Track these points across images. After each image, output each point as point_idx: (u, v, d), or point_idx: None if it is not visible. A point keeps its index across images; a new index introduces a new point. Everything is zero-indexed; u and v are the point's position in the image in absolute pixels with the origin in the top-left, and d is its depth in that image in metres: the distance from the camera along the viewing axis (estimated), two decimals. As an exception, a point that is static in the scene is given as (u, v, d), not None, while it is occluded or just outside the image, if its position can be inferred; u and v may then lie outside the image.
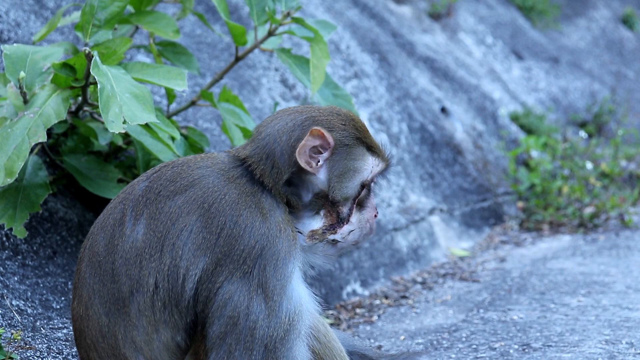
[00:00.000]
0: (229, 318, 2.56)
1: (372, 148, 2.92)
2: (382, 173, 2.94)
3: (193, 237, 2.64)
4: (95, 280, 2.71)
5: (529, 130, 8.60)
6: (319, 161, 2.82)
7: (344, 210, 2.87)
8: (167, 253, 2.64)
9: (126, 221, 2.72)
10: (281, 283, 2.62)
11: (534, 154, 7.72)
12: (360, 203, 2.91)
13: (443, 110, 7.88)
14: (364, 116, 6.68)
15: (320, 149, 2.82)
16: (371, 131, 6.69)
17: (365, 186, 2.89)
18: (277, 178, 2.80)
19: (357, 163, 2.87)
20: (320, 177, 2.83)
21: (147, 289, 2.65)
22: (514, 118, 8.72)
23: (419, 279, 5.62)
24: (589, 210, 7.08)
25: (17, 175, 3.27)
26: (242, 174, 2.78)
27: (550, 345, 3.88)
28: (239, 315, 2.56)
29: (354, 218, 2.89)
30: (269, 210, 2.71)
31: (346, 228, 2.88)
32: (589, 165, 7.44)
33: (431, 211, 6.52)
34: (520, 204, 7.32)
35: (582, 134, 8.59)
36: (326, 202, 2.85)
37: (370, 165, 2.89)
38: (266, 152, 2.83)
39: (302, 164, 2.79)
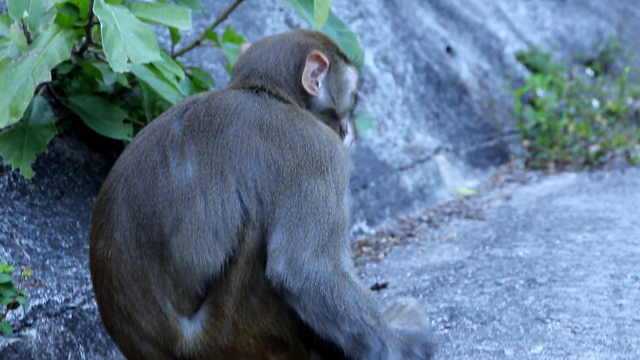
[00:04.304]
0: (312, 203, 2.76)
1: (347, 59, 3.17)
2: (360, 82, 3.22)
3: (262, 155, 2.78)
4: (134, 224, 2.73)
5: (534, 69, 8.55)
6: (317, 83, 3.04)
7: (344, 122, 3.13)
8: (231, 178, 2.74)
9: (169, 162, 2.75)
10: (344, 180, 2.89)
11: (540, 92, 7.69)
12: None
13: (448, 50, 7.84)
14: (369, 56, 6.65)
15: (317, 71, 3.03)
16: (376, 71, 6.68)
17: (355, 96, 3.16)
18: (293, 100, 3.00)
19: (345, 76, 3.12)
20: (321, 97, 3.05)
21: (193, 224, 2.70)
22: (520, 57, 8.67)
23: (425, 218, 5.65)
24: (594, 148, 7.07)
25: (22, 115, 3.27)
26: (270, 97, 2.94)
27: (556, 280, 3.91)
28: (319, 202, 2.77)
29: (350, 128, 3.16)
30: (315, 120, 2.92)
31: (347, 138, 3.15)
32: (595, 104, 7.41)
33: (437, 150, 6.53)
34: (526, 142, 7.32)
35: (589, 72, 8.55)
36: (330, 118, 3.08)
37: (352, 75, 3.15)
38: (272, 83, 2.99)
39: (307, 89, 3.01)
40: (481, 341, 3.23)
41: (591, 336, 3.21)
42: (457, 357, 3.08)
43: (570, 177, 6.66)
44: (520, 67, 8.52)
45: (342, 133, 3.13)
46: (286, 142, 2.80)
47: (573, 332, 3.26)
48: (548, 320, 3.40)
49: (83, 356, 3.23)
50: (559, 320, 3.39)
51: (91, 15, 3.49)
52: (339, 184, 2.85)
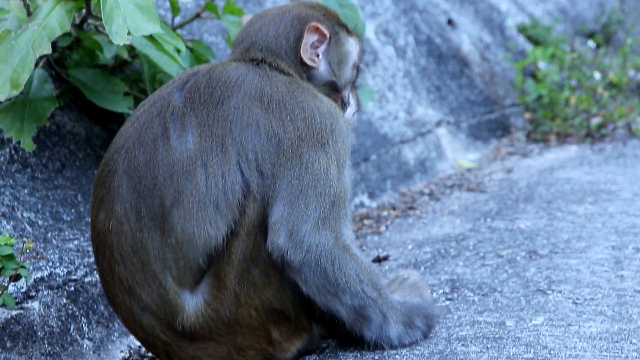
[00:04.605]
0: (313, 175, 2.76)
1: (348, 30, 3.14)
2: (361, 53, 3.19)
3: (263, 127, 2.77)
4: (134, 195, 2.73)
5: (536, 42, 8.52)
6: (318, 55, 3.02)
7: (346, 94, 3.12)
8: (231, 150, 2.73)
9: (170, 134, 2.74)
10: (346, 153, 2.89)
11: (542, 65, 7.67)
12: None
13: (450, 22, 7.81)
14: (370, 29, 6.63)
15: (317, 43, 3.01)
16: (377, 44, 6.66)
17: (356, 67, 3.14)
18: (294, 73, 2.98)
19: (346, 47, 3.10)
20: (322, 69, 3.04)
21: (194, 197, 2.69)
22: (522, 29, 8.64)
23: (426, 191, 5.65)
24: (596, 121, 7.06)
25: (22, 88, 3.26)
26: (270, 69, 2.92)
27: (557, 252, 3.91)
28: (320, 174, 2.77)
29: (352, 100, 3.15)
30: (316, 92, 2.91)
31: (349, 110, 3.14)
32: (597, 76, 7.39)
33: (438, 123, 6.52)
34: (528, 115, 7.30)
35: (590, 44, 8.52)
36: (331, 90, 3.06)
37: (353, 46, 3.12)
38: (273, 56, 2.97)
39: (307, 61, 3.00)
40: (482, 312, 3.23)
41: (592, 307, 3.21)
42: (459, 328, 3.09)
43: (571, 150, 6.65)
44: (521, 40, 8.49)
45: (343, 105, 3.12)
46: (287, 115, 2.79)
47: (574, 303, 3.27)
48: (549, 292, 3.41)
49: (85, 328, 3.24)
50: (560, 292, 3.40)
51: (91, -13, 3.48)
52: (340, 157, 2.85)
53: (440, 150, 6.31)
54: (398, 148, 5.88)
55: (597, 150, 6.51)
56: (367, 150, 5.58)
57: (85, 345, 3.20)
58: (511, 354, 2.81)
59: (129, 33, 3.20)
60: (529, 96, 7.22)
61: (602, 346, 2.84)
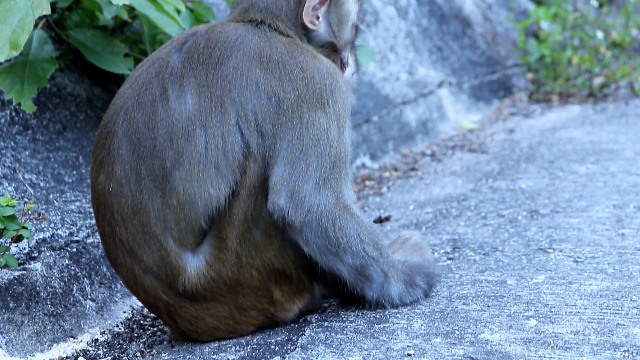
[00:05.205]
0: (313, 135, 2.77)
1: None
2: (361, 12, 3.18)
3: (262, 87, 2.77)
4: (134, 157, 2.73)
5: (538, 1, 8.47)
6: (318, 17, 3.01)
7: (346, 55, 3.10)
8: (231, 110, 2.74)
9: (169, 95, 2.73)
10: (346, 113, 2.88)
11: (544, 24, 7.63)
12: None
13: (451, -18, 7.77)
14: (371, -11, 6.59)
15: (318, 5, 3.00)
16: (379, 4, 6.62)
17: (356, 27, 3.12)
18: (294, 35, 2.97)
19: (345, 7, 3.08)
20: (321, 30, 3.02)
21: (194, 158, 2.69)
22: (524, -11, 8.59)
23: (428, 152, 5.65)
24: (598, 80, 7.04)
25: (22, 49, 3.25)
26: (270, 30, 2.91)
27: (559, 211, 3.92)
28: (320, 134, 2.78)
29: (351, 60, 3.13)
30: (316, 53, 2.91)
31: (348, 71, 3.11)
32: (600, 35, 7.35)
33: (440, 84, 6.50)
34: (530, 75, 7.28)
35: (593, 3, 8.46)
36: (330, 51, 3.05)
37: (353, 5, 3.10)
38: (272, 17, 2.95)
39: (308, 24, 2.98)
40: (484, 272, 3.24)
41: (593, 265, 3.22)
42: (460, 287, 3.10)
43: (573, 110, 6.64)
44: (524, -1, 8.44)
45: (343, 66, 3.10)
46: (286, 75, 2.79)
47: (575, 261, 3.28)
48: (550, 251, 3.41)
49: (88, 289, 3.25)
50: (561, 250, 3.40)
51: (89, -53, 3.45)
52: (340, 117, 2.84)
53: (442, 111, 6.30)
54: (400, 109, 5.87)
55: (599, 110, 6.49)
56: (368, 111, 5.57)
57: (88, 306, 3.22)
58: (512, 312, 2.82)
59: (128, -7, 3.19)
60: (531, 56, 7.19)
61: (603, 303, 2.85)
